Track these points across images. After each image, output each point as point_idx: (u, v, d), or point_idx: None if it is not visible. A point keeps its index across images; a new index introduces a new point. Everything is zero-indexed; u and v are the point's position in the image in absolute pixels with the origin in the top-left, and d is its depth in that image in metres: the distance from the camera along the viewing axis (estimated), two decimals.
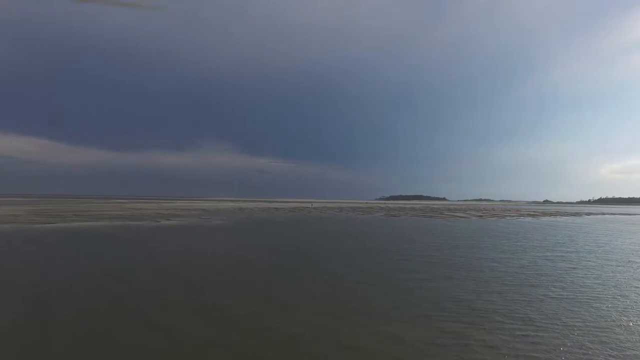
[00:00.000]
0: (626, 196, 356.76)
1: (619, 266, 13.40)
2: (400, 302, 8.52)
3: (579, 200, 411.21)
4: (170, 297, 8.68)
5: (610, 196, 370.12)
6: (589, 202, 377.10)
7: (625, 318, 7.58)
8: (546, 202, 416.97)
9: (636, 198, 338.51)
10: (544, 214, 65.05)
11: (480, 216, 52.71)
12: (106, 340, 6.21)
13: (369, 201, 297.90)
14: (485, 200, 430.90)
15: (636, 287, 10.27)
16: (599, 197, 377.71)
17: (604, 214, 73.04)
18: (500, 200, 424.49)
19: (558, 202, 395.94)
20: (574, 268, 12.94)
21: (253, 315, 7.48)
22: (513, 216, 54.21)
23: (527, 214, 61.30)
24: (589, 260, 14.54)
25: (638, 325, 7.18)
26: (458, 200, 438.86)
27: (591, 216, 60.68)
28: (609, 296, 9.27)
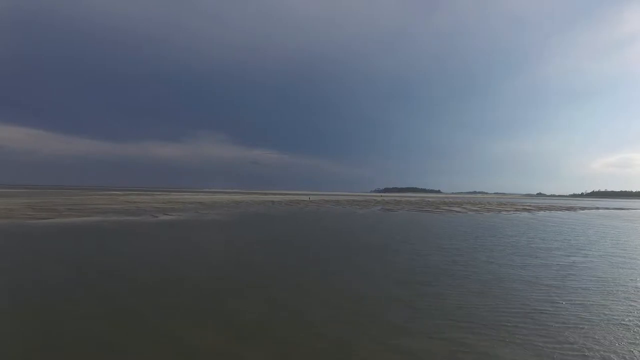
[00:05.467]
0: (619, 189, 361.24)
1: None
2: (441, 322, 7.80)
3: (571, 193, 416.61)
4: (176, 305, 8.58)
5: (603, 189, 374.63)
6: (582, 195, 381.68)
7: None
8: (539, 195, 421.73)
9: (629, 192, 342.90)
10: (539, 208, 65.67)
11: (477, 211, 53.06)
12: (109, 350, 6.10)
13: (364, 194, 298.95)
14: (479, 193, 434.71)
15: None
16: (592, 191, 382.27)
17: (597, 208, 73.94)
18: (495, 193, 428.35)
19: (551, 195, 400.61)
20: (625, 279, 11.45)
21: (264, 326, 7.40)
22: (509, 211, 54.64)
23: (523, 209, 61.83)
24: (627, 268, 13.44)
25: None
26: (453, 193, 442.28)
27: (586, 211, 61.39)
28: None
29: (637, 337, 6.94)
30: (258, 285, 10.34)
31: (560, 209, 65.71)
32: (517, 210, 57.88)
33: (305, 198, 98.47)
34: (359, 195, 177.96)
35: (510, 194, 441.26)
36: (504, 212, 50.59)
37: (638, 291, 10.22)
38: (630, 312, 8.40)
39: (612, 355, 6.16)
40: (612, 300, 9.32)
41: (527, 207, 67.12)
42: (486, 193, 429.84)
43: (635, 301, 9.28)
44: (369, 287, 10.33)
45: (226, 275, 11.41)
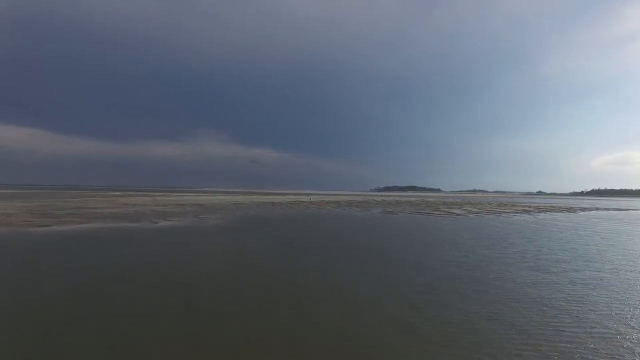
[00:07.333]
0: (618, 187, 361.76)
1: None
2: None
3: (571, 191, 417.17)
4: (175, 306, 8.30)
5: (602, 188, 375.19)
6: (582, 193, 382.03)
7: None
8: (539, 193, 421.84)
9: (628, 190, 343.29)
10: (540, 209, 65.50)
11: (477, 213, 52.84)
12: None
13: (365, 193, 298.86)
14: (480, 191, 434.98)
15: None
16: (592, 189, 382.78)
17: (597, 209, 73.81)
18: (495, 192, 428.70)
19: (551, 194, 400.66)
20: None
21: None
22: (509, 213, 54.45)
23: (523, 210, 61.72)
24: None
25: None
26: (453, 192, 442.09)
27: (586, 212, 61.23)
28: None
29: None
30: (258, 285, 10.07)
31: (561, 210, 65.54)
32: (517, 212, 57.66)
33: (306, 198, 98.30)
34: (359, 195, 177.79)
35: (510, 192, 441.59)
36: (504, 215, 50.35)
37: None
38: None
39: None
40: (625, 333, 9.05)
41: (527, 209, 66.93)
42: (486, 191, 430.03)
43: None
44: (369, 310, 10.06)
45: (225, 280, 11.14)
